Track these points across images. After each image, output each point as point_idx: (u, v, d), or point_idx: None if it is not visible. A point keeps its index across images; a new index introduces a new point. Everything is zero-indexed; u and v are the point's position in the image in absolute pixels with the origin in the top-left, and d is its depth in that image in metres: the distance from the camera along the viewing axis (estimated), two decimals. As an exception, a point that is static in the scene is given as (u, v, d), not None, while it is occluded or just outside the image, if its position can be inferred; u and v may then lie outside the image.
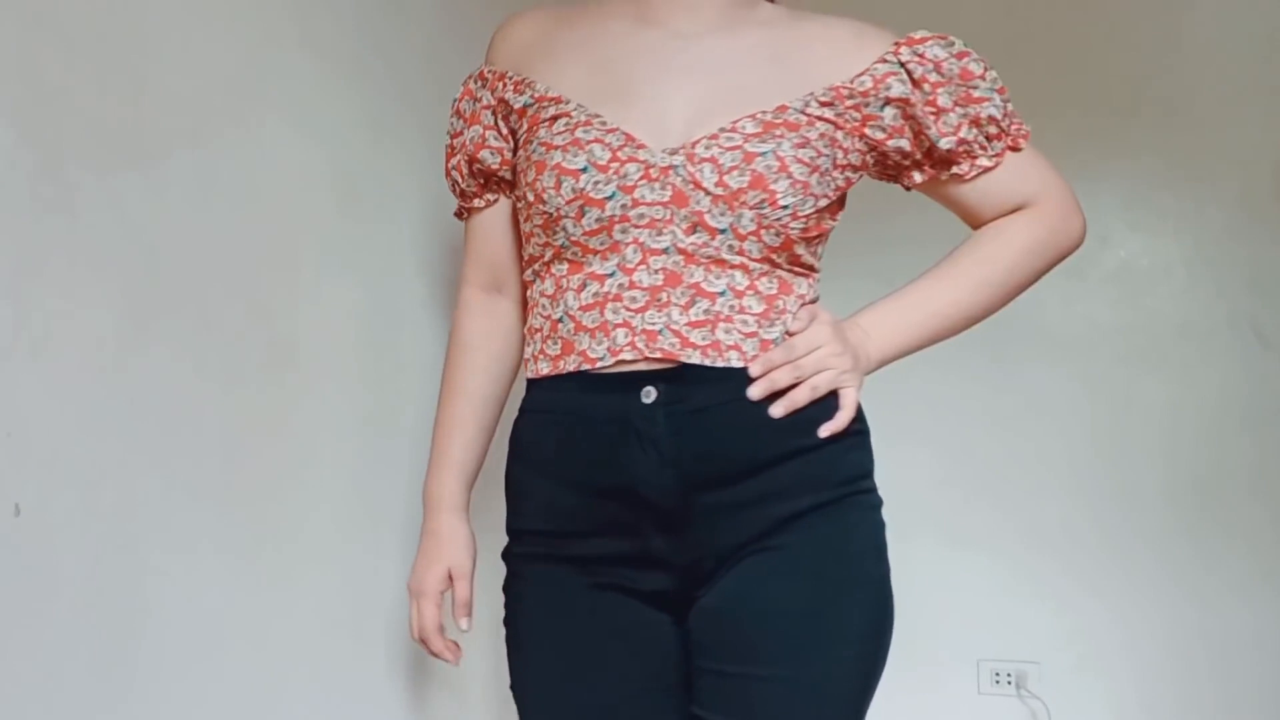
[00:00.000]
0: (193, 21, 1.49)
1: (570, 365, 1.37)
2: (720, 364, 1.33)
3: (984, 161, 1.48)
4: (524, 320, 1.53)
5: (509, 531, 1.49)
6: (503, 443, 1.53)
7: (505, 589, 1.49)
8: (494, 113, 1.51)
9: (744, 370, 1.34)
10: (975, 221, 1.55)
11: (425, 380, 2.03)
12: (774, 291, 1.38)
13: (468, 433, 1.59)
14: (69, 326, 1.29)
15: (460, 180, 1.57)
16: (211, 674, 1.51)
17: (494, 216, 1.58)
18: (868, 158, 1.48)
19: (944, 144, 1.45)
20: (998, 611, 3.06)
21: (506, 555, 1.50)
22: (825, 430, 1.37)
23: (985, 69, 1.47)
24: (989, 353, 3.00)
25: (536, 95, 1.44)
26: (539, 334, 1.43)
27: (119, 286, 1.36)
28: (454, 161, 1.57)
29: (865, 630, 1.37)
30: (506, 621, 1.48)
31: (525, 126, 1.44)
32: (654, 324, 1.33)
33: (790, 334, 1.38)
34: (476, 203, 1.58)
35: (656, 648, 1.42)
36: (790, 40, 1.45)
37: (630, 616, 1.40)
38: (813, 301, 1.45)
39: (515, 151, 1.49)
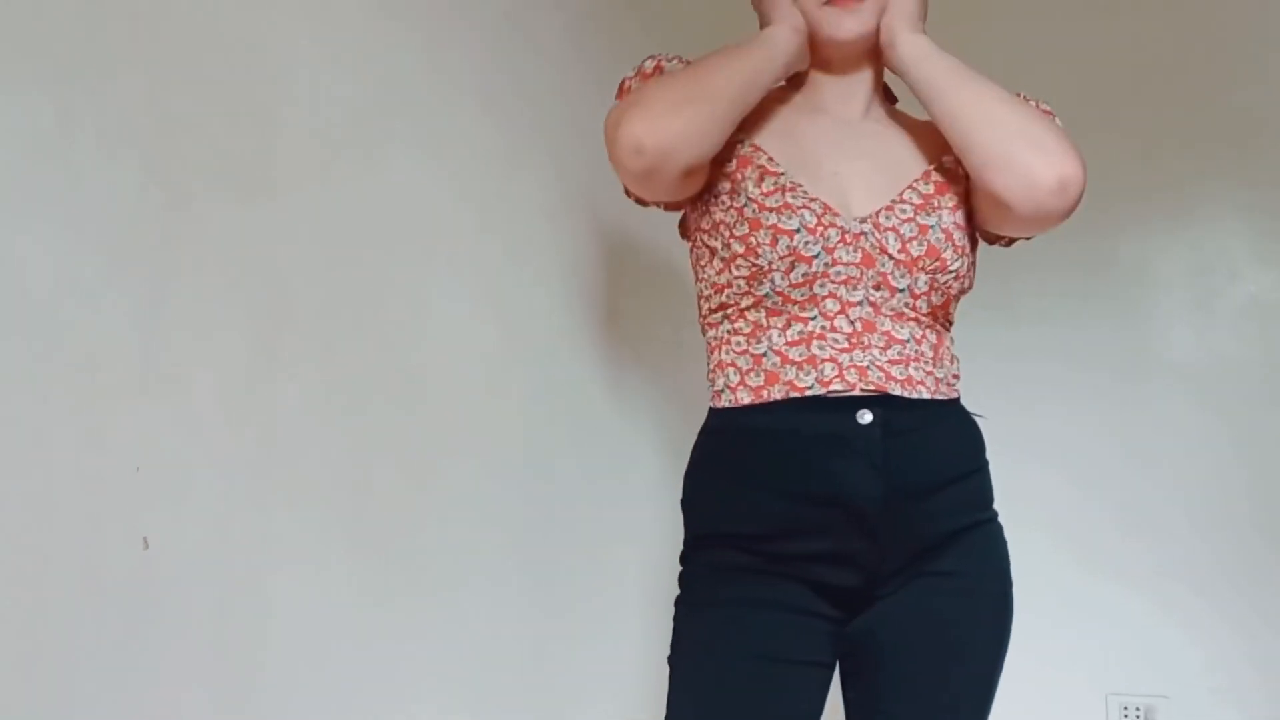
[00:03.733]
0: (321, 56, 1.44)
1: (777, 394, 1.48)
2: (913, 395, 1.49)
3: None
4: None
5: (694, 538, 1.56)
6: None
7: (683, 578, 1.56)
8: None
9: (931, 401, 1.50)
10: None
11: (554, 414, 1.96)
12: (936, 341, 1.54)
13: None
14: (197, 359, 1.24)
15: None
16: (338, 709, 1.44)
17: None
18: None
19: None
20: (1128, 644, 2.93)
21: (685, 559, 1.56)
22: None
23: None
24: (1122, 384, 2.92)
25: (753, 143, 1.54)
26: (733, 368, 1.53)
27: (247, 318, 1.30)
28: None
29: (1002, 636, 1.54)
30: (684, 601, 1.55)
31: (735, 163, 1.53)
32: (861, 361, 1.47)
33: None
34: None
35: (817, 635, 1.51)
36: (920, 126, 1.62)
37: (804, 604, 1.49)
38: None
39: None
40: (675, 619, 1.53)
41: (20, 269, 1.06)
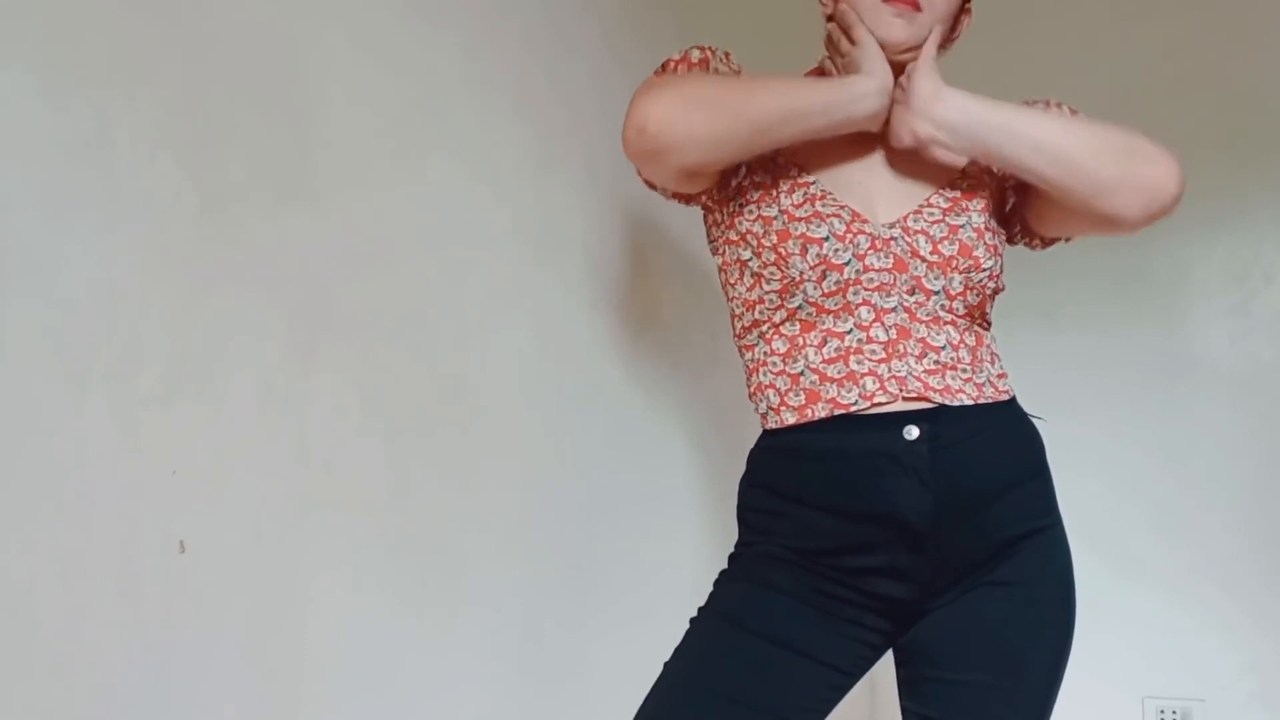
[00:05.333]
0: (358, 60, 1.42)
1: (821, 412, 1.44)
2: (954, 404, 1.44)
3: None
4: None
5: (745, 543, 1.52)
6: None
7: (730, 559, 1.51)
8: None
9: (973, 408, 1.45)
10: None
11: (591, 419, 1.92)
12: (974, 344, 1.49)
13: None
14: (234, 363, 1.21)
15: None
16: (375, 715, 1.41)
17: None
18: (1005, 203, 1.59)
19: None
20: (1164, 647, 2.88)
21: (737, 548, 1.52)
22: None
23: None
24: (1159, 389, 2.88)
25: (784, 156, 1.49)
26: (772, 390, 1.49)
27: (284, 323, 1.28)
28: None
29: (1063, 645, 1.49)
30: (724, 574, 1.51)
31: (770, 175, 1.49)
32: (900, 371, 1.42)
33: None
34: None
35: (843, 640, 1.47)
36: None
37: (842, 610, 1.45)
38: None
39: (733, 179, 1.51)
40: (713, 585, 1.50)
41: (57, 273, 1.04)
